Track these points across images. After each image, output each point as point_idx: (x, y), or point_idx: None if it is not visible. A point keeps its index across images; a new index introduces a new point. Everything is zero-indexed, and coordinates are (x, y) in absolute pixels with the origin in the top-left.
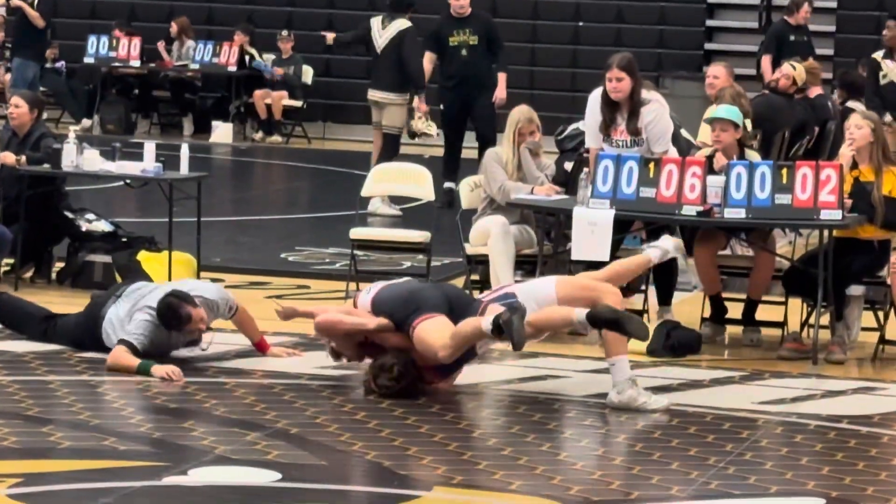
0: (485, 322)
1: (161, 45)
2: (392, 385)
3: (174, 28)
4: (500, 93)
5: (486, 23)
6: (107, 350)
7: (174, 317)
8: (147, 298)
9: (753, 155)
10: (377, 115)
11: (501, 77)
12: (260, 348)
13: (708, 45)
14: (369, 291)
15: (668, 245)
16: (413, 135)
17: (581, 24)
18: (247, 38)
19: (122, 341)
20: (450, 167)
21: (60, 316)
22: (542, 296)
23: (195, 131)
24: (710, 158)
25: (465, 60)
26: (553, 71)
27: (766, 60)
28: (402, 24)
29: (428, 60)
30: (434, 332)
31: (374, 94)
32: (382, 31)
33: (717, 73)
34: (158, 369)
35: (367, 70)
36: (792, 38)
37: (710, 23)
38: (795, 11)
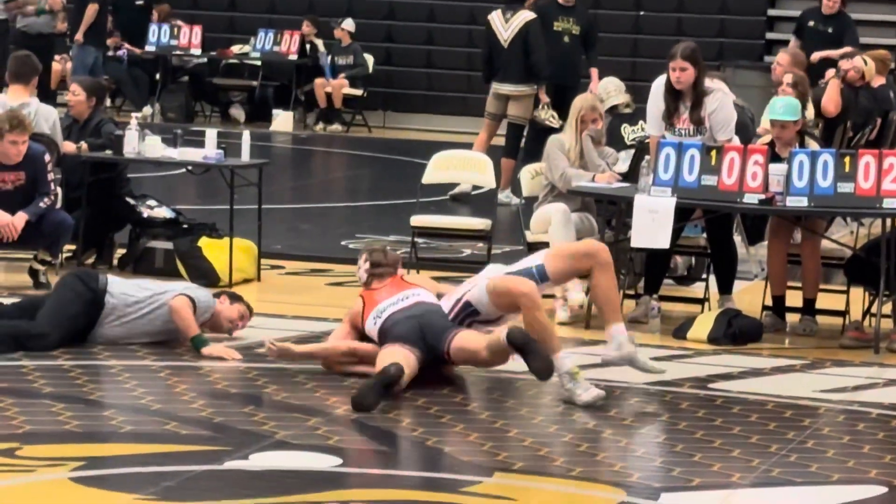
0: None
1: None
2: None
3: (155, 16)
4: (595, 86)
5: (589, 16)
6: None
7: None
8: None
9: (813, 144)
10: (497, 107)
11: (594, 71)
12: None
13: (769, 35)
14: (376, 322)
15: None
16: (537, 125)
17: (642, 13)
18: (314, 29)
19: (186, 295)
20: (535, 151)
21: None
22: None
23: (256, 119)
24: (771, 145)
25: (565, 48)
26: (613, 60)
27: (791, 44)
28: (527, 14)
29: None
30: (470, 342)
31: (501, 88)
32: (506, 24)
33: (781, 60)
34: (211, 349)
35: (489, 63)
36: (811, 23)
37: (771, 12)
38: None
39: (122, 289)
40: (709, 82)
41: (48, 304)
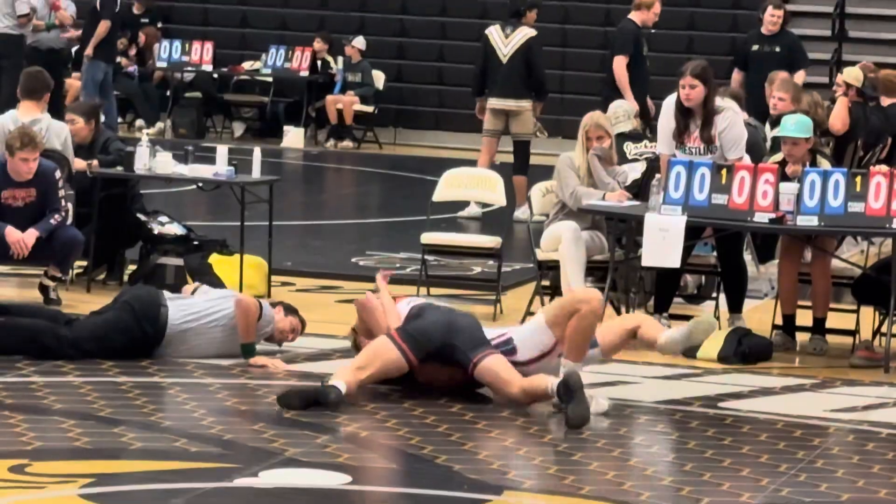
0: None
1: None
2: None
3: (142, 39)
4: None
5: None
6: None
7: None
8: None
9: (825, 163)
10: (497, 124)
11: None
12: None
13: None
14: (409, 304)
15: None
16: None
17: (653, 31)
18: (326, 45)
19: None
20: None
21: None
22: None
23: (267, 135)
24: (782, 164)
25: (648, 69)
26: None
27: (734, 78)
28: (528, 31)
29: (622, 65)
30: (504, 370)
31: (500, 103)
32: (506, 40)
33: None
34: (258, 359)
35: (484, 78)
36: (755, 48)
37: None
38: (762, 17)
39: (181, 326)
40: (719, 100)
41: (94, 323)
